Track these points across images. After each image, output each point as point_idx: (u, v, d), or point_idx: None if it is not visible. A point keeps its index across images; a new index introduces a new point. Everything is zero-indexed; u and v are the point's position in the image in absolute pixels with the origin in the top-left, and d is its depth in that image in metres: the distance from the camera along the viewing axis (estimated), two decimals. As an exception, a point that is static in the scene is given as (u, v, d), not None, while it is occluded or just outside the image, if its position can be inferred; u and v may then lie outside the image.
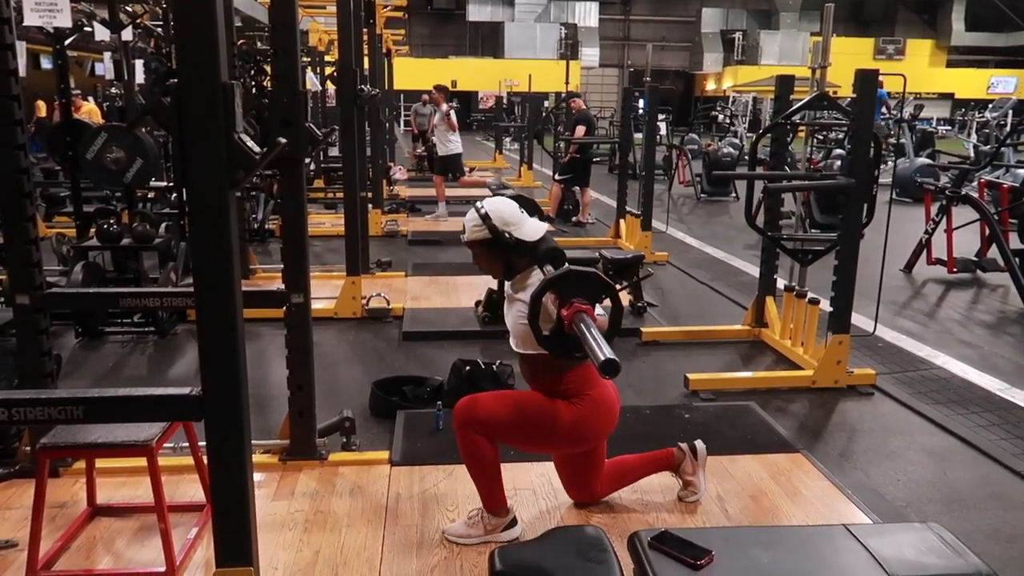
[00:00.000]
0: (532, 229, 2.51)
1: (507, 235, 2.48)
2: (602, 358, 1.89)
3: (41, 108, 15.23)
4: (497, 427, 2.52)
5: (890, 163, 11.56)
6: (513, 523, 2.66)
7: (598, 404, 2.56)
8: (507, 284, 2.63)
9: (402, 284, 6.31)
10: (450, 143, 9.78)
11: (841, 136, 11.90)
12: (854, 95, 4.10)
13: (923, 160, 12.12)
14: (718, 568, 1.79)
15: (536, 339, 2.22)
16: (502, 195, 2.69)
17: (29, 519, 2.37)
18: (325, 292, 5.56)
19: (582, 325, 2.05)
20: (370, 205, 7.57)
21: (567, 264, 2.38)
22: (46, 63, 14.89)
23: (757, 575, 1.79)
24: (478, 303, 5.37)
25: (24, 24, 4.47)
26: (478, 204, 2.56)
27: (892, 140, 13.03)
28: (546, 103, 16.60)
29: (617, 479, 2.85)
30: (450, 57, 33.11)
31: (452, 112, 9.70)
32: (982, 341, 5.31)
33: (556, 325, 2.16)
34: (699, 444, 2.92)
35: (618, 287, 5.80)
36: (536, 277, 2.47)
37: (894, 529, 2.04)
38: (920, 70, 31.19)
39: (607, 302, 2.23)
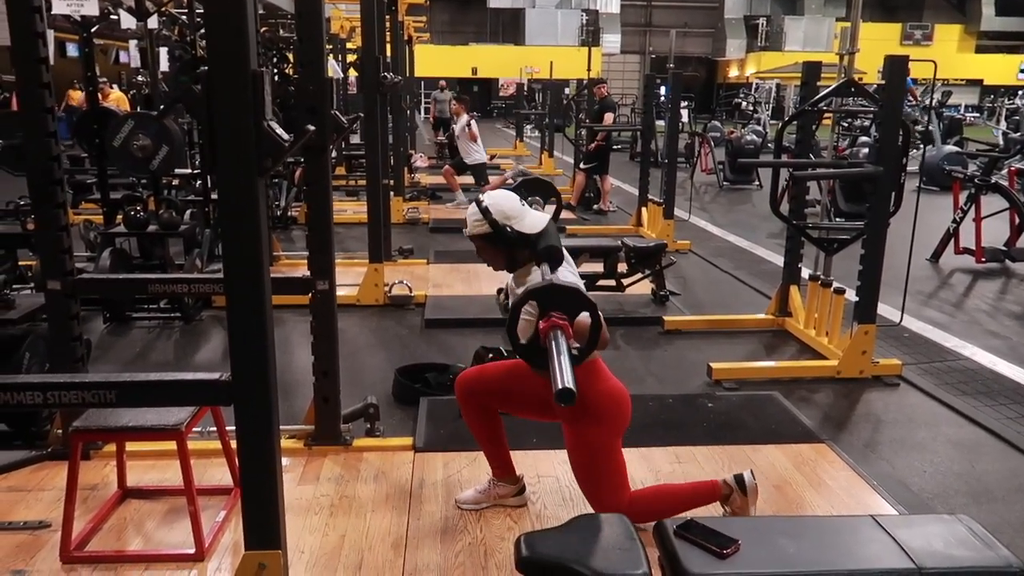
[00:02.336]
0: (533, 222, 2.49)
1: (508, 229, 2.47)
2: (559, 386, 1.84)
3: (74, 97, 15.39)
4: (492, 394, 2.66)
5: (916, 151, 11.38)
6: (522, 490, 2.83)
7: (610, 395, 2.52)
8: (510, 277, 2.63)
9: (424, 271, 6.33)
10: (475, 153, 9.77)
11: (867, 123, 11.74)
12: (882, 81, 4.03)
13: (951, 148, 11.93)
14: (744, 557, 1.78)
15: (513, 347, 2.20)
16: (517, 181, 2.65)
17: (61, 501, 2.42)
18: (348, 279, 5.59)
19: (552, 342, 2.00)
20: (392, 193, 7.58)
21: (564, 261, 2.40)
22: (72, 50, 15.04)
23: (783, 564, 1.79)
24: (500, 290, 5.36)
25: (52, 12, 4.51)
26: (480, 197, 2.55)
27: (919, 128, 12.83)
28: (567, 90, 16.47)
29: (653, 502, 2.60)
30: (471, 44, 33.00)
31: (473, 123, 9.65)
32: (1011, 332, 5.24)
33: (533, 336, 2.13)
34: (747, 477, 2.63)
35: (640, 276, 5.77)
36: (536, 273, 2.43)
37: (922, 521, 2.02)
38: (948, 56, 30.63)
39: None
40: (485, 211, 2.49)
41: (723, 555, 1.77)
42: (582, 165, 9.81)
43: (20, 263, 4.87)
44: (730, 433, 3.45)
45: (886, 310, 4.62)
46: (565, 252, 2.47)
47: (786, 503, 2.88)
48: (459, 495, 2.83)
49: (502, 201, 2.51)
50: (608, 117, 9.44)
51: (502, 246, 2.51)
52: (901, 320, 4.61)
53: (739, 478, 2.63)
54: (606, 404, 2.50)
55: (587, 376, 2.45)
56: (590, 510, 2.73)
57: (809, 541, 1.87)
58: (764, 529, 1.94)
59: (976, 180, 7.15)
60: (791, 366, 4.39)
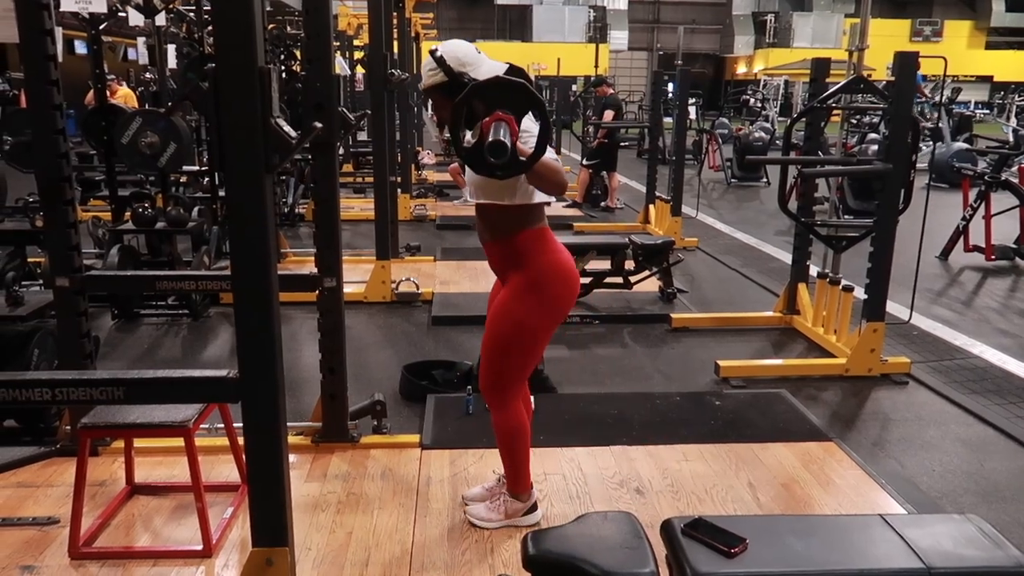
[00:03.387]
0: (490, 69, 2.34)
1: (464, 77, 2.31)
2: (490, 138, 1.82)
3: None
4: (510, 368, 2.47)
5: (925, 148, 11.32)
6: (534, 508, 2.68)
7: (555, 266, 2.44)
8: (468, 133, 2.29)
9: (431, 268, 6.33)
10: None
11: (875, 120, 11.68)
12: (892, 78, 4.01)
13: (961, 145, 11.86)
14: (752, 556, 1.78)
15: (456, 151, 2.07)
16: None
17: (70, 497, 2.43)
18: (354, 276, 5.59)
19: (493, 126, 1.92)
20: (399, 190, 7.59)
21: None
22: (80, 48, 15.09)
23: (791, 563, 1.78)
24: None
25: (60, 9, 4.52)
26: (433, 47, 2.38)
27: (928, 124, 12.76)
28: (574, 87, 16.44)
29: (510, 428, 2.54)
30: (477, 41, 32.80)
31: None
32: (1020, 330, 5.20)
33: (478, 136, 1.99)
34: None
35: (647, 273, 5.76)
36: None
37: (932, 520, 2.01)
38: (958, 52, 30.42)
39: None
40: (440, 60, 2.33)
41: (731, 554, 1.77)
42: (585, 162, 9.81)
43: (29, 260, 4.89)
44: (738, 431, 3.44)
45: (895, 308, 4.60)
46: None
47: (794, 502, 2.87)
48: (466, 491, 2.83)
49: (456, 48, 2.37)
50: (608, 114, 9.42)
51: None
52: (910, 318, 4.58)
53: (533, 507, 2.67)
54: (549, 275, 2.42)
55: (535, 244, 2.42)
56: (597, 508, 2.74)
57: (817, 540, 1.86)
58: (772, 528, 1.93)
59: (986, 177, 7.11)
60: (799, 364, 4.37)
